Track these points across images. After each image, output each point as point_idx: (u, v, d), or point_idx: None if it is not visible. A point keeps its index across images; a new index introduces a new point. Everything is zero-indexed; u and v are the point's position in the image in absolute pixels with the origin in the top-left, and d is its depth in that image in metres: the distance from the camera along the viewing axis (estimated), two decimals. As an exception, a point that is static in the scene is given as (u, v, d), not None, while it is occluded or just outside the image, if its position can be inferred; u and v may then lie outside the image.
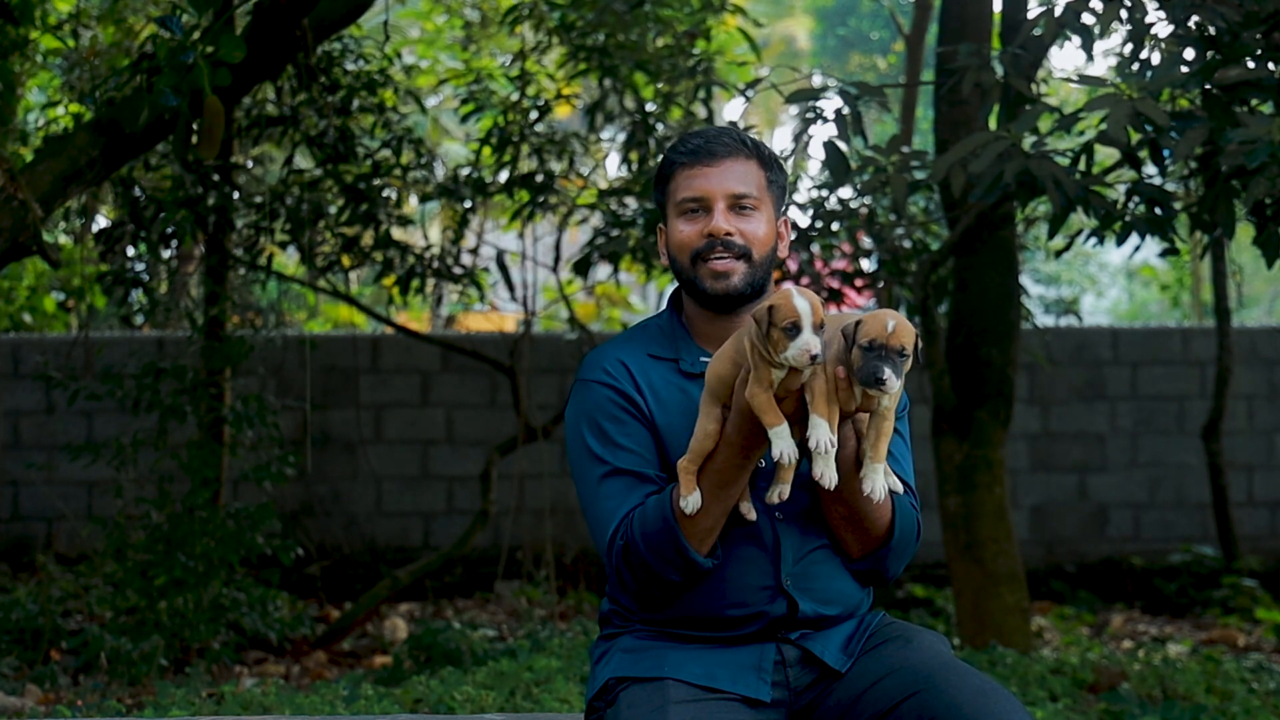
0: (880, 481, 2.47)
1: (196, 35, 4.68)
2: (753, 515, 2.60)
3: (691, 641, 2.66)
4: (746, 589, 2.63)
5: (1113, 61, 4.66)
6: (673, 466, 2.62)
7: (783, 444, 2.40)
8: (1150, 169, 4.88)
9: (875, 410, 2.47)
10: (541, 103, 7.46)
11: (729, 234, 2.66)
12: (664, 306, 2.85)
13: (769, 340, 2.39)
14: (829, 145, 4.81)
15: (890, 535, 2.65)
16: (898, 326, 2.40)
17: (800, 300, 2.38)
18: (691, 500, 2.51)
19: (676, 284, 2.81)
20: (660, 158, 7.03)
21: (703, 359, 2.70)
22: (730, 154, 2.71)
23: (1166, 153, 4.53)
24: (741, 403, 2.45)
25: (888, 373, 2.39)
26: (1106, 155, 7.22)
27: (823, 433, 2.40)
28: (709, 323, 2.73)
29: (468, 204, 7.62)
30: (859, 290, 6.98)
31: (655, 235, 6.94)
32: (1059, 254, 5.50)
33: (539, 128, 7.45)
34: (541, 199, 7.30)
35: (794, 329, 2.37)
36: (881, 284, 7.12)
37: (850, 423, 2.52)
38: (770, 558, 2.64)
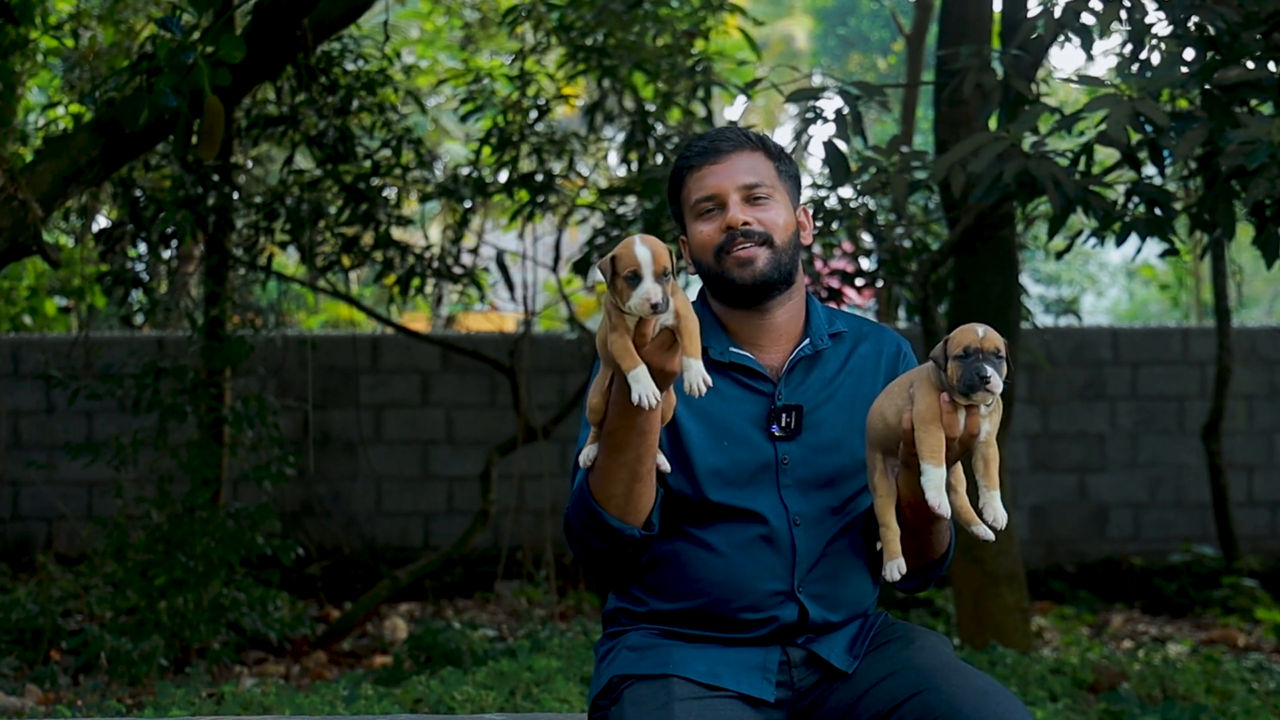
0: (1000, 509, 2.44)
1: (196, 35, 4.69)
2: (666, 467, 2.60)
3: (697, 640, 2.66)
4: (761, 593, 2.64)
5: (1113, 61, 4.66)
6: (685, 451, 2.64)
7: (640, 388, 2.38)
8: (1150, 169, 4.88)
9: (977, 441, 2.46)
10: (541, 103, 7.46)
11: (747, 223, 2.66)
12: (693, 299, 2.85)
13: (615, 290, 2.39)
14: (829, 145, 4.81)
15: (945, 556, 2.71)
16: (987, 333, 2.42)
17: (641, 249, 2.37)
18: (587, 451, 2.55)
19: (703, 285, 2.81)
20: (660, 158, 7.11)
21: (732, 349, 2.70)
22: (736, 148, 2.71)
23: (1166, 153, 4.53)
24: (610, 357, 2.44)
25: (990, 370, 2.39)
26: (1106, 155, 7.22)
27: (936, 476, 2.41)
28: (740, 321, 2.73)
29: (468, 204, 7.62)
30: (859, 290, 6.98)
31: (653, 235, 6.96)
32: (1059, 254, 5.50)
33: (539, 128, 7.45)
34: (541, 199, 7.29)
35: (635, 278, 2.36)
36: (881, 284, 7.12)
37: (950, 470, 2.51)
38: (787, 564, 2.65)
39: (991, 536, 2.46)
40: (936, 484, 2.41)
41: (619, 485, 2.53)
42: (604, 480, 2.53)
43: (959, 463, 2.51)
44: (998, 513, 2.44)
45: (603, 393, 2.51)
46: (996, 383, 2.40)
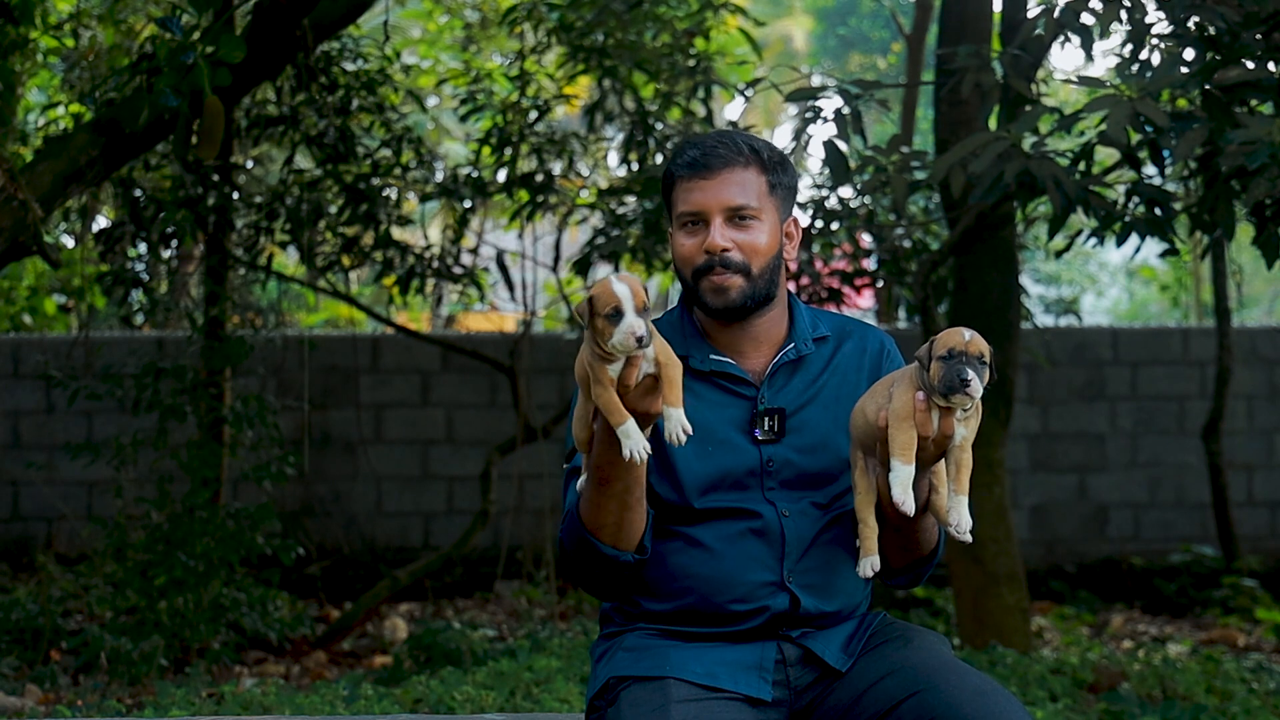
0: (966, 515, 2.46)
1: (196, 35, 4.69)
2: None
3: (693, 639, 2.66)
4: (750, 584, 2.64)
5: (1113, 62, 4.66)
6: (670, 459, 2.64)
7: (630, 443, 2.38)
8: (1150, 169, 4.88)
9: (952, 445, 2.47)
10: (541, 103, 7.46)
11: (726, 250, 2.63)
12: (675, 304, 2.84)
13: (596, 331, 2.37)
14: (829, 145, 4.81)
15: (935, 553, 2.71)
16: (973, 337, 2.43)
17: (619, 285, 2.36)
18: (582, 480, 2.57)
19: None
20: (660, 158, 7.11)
21: (713, 356, 2.70)
22: (726, 164, 2.65)
23: (1166, 153, 4.53)
24: (586, 382, 2.44)
25: (970, 374, 2.40)
26: (1106, 155, 7.22)
27: (904, 473, 2.42)
28: (721, 329, 2.73)
29: (468, 204, 7.62)
30: (858, 290, 6.99)
31: (653, 235, 6.97)
32: (1059, 254, 5.50)
33: (539, 128, 7.45)
34: (541, 199, 7.30)
35: (616, 314, 2.35)
36: (881, 284, 7.12)
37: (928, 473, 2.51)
38: (775, 554, 2.65)
39: (968, 539, 2.48)
40: (903, 481, 2.43)
41: (610, 515, 2.54)
42: (595, 511, 2.54)
43: (941, 464, 2.52)
44: (962, 518, 2.46)
45: (587, 425, 2.50)
46: (976, 387, 2.41)
